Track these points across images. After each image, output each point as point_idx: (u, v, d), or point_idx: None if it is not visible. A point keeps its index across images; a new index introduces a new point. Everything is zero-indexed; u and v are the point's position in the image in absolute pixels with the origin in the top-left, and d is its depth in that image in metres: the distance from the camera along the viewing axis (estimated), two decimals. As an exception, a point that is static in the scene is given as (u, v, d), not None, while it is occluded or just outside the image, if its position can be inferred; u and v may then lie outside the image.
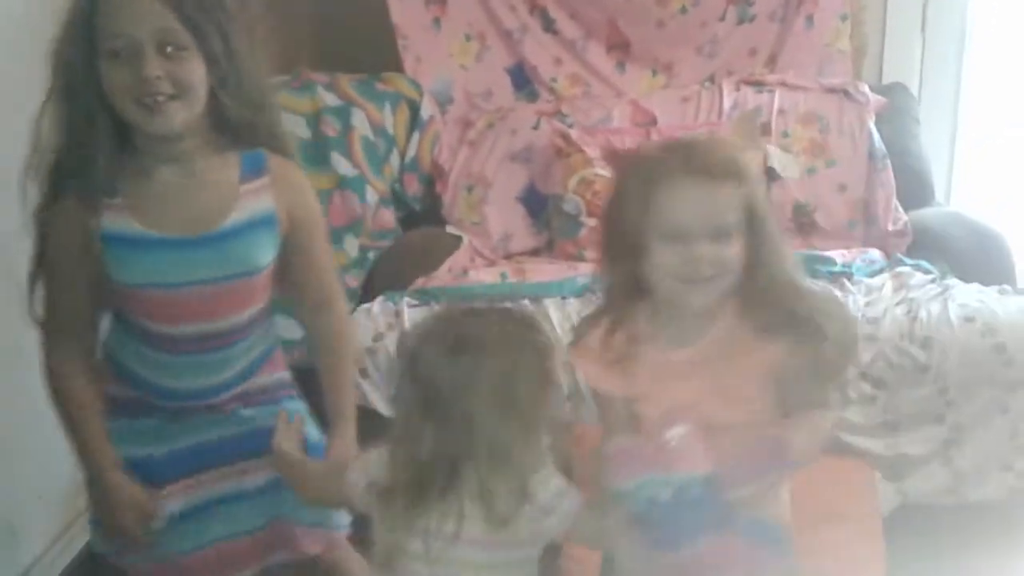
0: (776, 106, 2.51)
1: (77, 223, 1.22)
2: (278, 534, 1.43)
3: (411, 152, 2.54)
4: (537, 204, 2.51)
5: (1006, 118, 2.73)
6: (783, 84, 2.57)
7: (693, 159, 1.15)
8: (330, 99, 2.42)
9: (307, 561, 1.47)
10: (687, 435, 1.07)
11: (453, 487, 1.10)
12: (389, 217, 2.46)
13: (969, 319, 1.92)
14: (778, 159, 2.43)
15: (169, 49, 1.16)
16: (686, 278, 1.14)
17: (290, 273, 1.37)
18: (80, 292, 1.27)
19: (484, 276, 2.28)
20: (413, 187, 2.55)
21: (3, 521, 1.82)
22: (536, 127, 2.55)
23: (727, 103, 2.55)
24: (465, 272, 2.31)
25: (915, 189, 2.44)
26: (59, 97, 1.19)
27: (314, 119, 2.38)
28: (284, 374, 1.46)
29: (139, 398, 1.35)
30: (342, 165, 2.36)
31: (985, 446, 1.92)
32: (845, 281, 2.08)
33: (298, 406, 1.44)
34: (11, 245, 1.75)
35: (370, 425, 1.87)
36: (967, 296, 1.99)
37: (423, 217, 2.55)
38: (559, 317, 2.04)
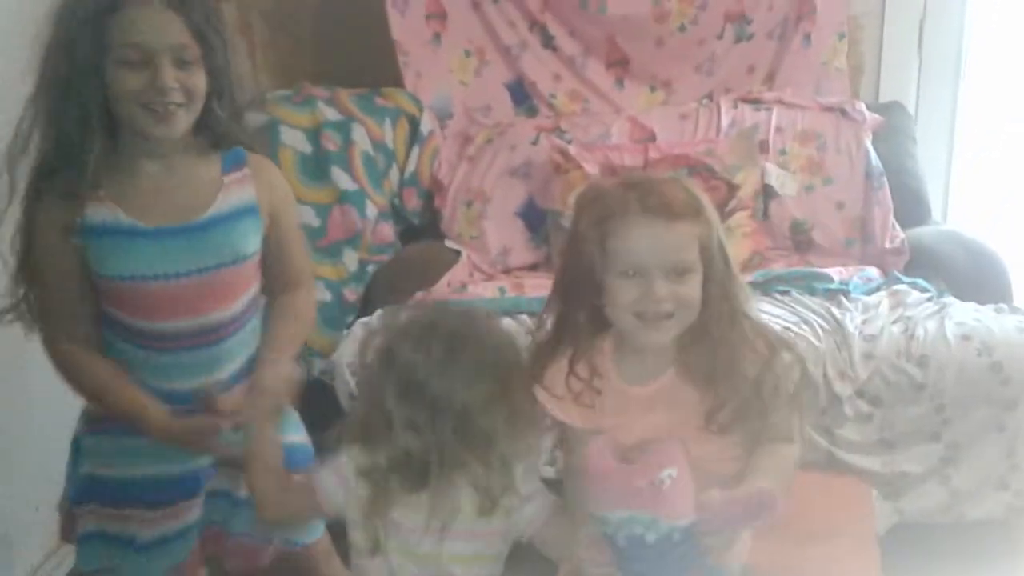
0: (773, 124, 2.52)
1: (63, 217, 1.24)
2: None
3: (411, 167, 2.55)
4: (536, 219, 2.52)
5: (1002, 136, 2.75)
6: (780, 102, 2.58)
7: (650, 197, 1.16)
8: (331, 114, 2.43)
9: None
10: (677, 478, 1.06)
11: (444, 479, 1.12)
12: (388, 231, 2.46)
13: (966, 337, 1.93)
14: (775, 177, 2.44)
15: (182, 61, 1.22)
16: (644, 315, 1.15)
17: (265, 259, 1.40)
18: (72, 285, 1.28)
19: (482, 291, 2.29)
20: (412, 202, 2.56)
21: (1, 532, 1.82)
22: (535, 143, 2.56)
23: (725, 120, 2.56)
24: (463, 286, 2.32)
25: (912, 207, 2.46)
26: (55, 94, 1.21)
27: (315, 133, 2.39)
28: None
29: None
30: (343, 180, 2.37)
31: (982, 464, 1.92)
32: (842, 298, 2.09)
33: (290, 412, 1.44)
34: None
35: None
36: (964, 314, 2.00)
37: (422, 231, 2.56)
38: (557, 332, 2.05)
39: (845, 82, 2.68)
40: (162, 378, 1.33)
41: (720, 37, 2.69)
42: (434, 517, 1.13)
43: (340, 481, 1.16)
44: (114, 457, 1.36)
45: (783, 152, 2.49)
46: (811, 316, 2.01)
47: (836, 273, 2.20)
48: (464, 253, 2.44)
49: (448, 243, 2.49)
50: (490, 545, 1.18)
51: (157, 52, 1.20)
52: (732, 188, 2.36)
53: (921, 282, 2.15)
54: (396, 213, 2.53)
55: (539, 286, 2.30)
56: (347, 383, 2.02)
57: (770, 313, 1.96)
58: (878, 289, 2.15)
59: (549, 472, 1.98)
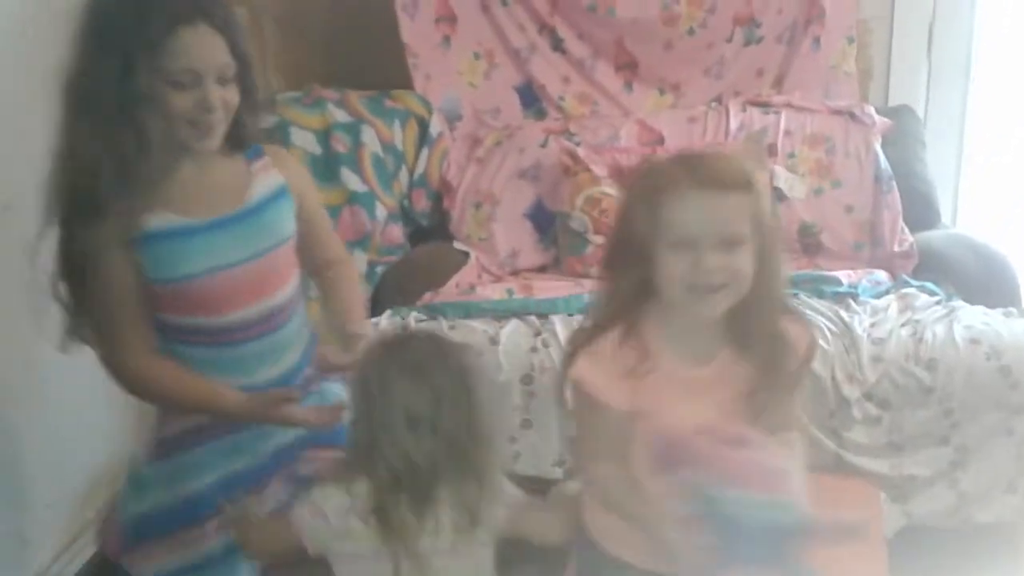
0: (782, 127, 2.53)
1: (124, 234, 1.26)
2: None
3: (420, 168, 2.56)
4: (544, 221, 2.53)
5: (1012, 140, 2.75)
6: (789, 105, 2.59)
7: (701, 169, 1.16)
8: (340, 115, 2.45)
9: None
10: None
11: (431, 501, 1.16)
12: (398, 233, 2.48)
13: (974, 341, 1.93)
14: (784, 179, 2.45)
15: (223, 79, 1.27)
16: (695, 287, 1.13)
17: (300, 240, 1.44)
18: (135, 300, 1.30)
19: (491, 292, 2.30)
20: (421, 203, 2.57)
21: (13, 530, 1.83)
22: (544, 145, 2.57)
23: (733, 124, 2.57)
24: (472, 288, 2.33)
25: (921, 211, 2.46)
26: (115, 119, 1.23)
27: (324, 135, 2.40)
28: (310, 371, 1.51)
29: (196, 426, 1.37)
30: (352, 181, 2.38)
31: (990, 468, 1.92)
32: (851, 302, 2.09)
33: (338, 388, 1.47)
34: (26, 256, 1.78)
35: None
36: (972, 318, 2.00)
37: (431, 233, 2.57)
38: (565, 334, 2.05)
39: (854, 86, 2.68)
40: (229, 375, 1.35)
41: (729, 40, 2.70)
42: (428, 536, 1.16)
43: (319, 518, 1.19)
44: (178, 476, 1.38)
45: (792, 155, 2.49)
46: (820, 319, 2.01)
47: (845, 276, 2.20)
48: (473, 255, 2.45)
49: (457, 245, 2.50)
50: (471, 555, 1.21)
51: (205, 74, 1.25)
52: (741, 191, 2.37)
53: (930, 286, 2.15)
54: (405, 215, 2.55)
55: (547, 288, 2.31)
56: (356, 383, 2.03)
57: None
58: (887, 293, 2.15)
59: (557, 473, 2.01)
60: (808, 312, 2.04)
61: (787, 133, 2.52)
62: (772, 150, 2.49)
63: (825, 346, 1.93)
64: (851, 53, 2.68)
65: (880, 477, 1.91)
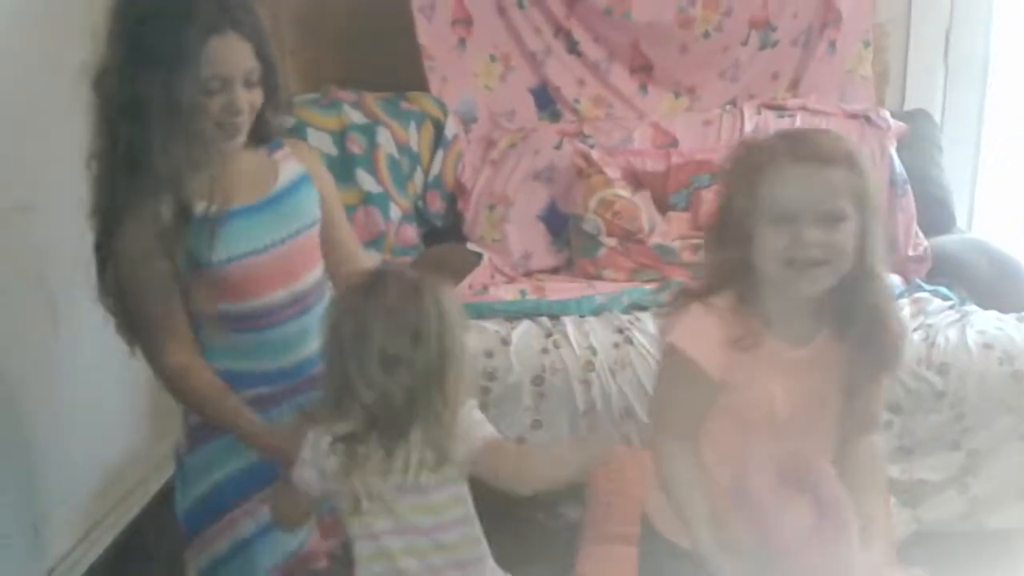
0: (797, 130, 2.53)
1: (169, 228, 1.30)
2: None
3: (435, 170, 2.58)
4: (557, 223, 2.54)
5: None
6: (804, 109, 2.58)
7: (801, 144, 1.15)
8: (356, 117, 2.47)
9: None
10: None
11: (404, 439, 1.19)
12: (412, 233, 2.49)
13: (987, 346, 1.92)
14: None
15: (249, 82, 1.32)
16: (794, 262, 1.12)
17: (324, 233, 1.49)
18: (176, 295, 1.34)
19: (503, 293, 2.31)
20: (436, 204, 2.59)
21: (27, 523, 1.86)
22: (558, 147, 2.58)
23: (748, 127, 2.57)
24: (485, 289, 2.34)
25: (936, 215, 2.45)
26: (161, 126, 1.27)
27: (340, 136, 2.43)
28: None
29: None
30: (367, 182, 2.41)
31: (1002, 473, 1.92)
32: (863, 305, 2.09)
33: None
34: (42, 255, 1.81)
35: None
36: (985, 323, 1.99)
37: (445, 234, 2.59)
38: (576, 335, 2.07)
39: (870, 89, 2.68)
40: (266, 357, 1.40)
41: (745, 44, 2.70)
42: (396, 473, 1.19)
43: (307, 463, 1.22)
44: (219, 458, 1.41)
45: (806, 159, 2.48)
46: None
47: (858, 280, 2.19)
48: (486, 255, 2.46)
49: (470, 246, 2.51)
50: (441, 491, 1.22)
51: (234, 79, 1.29)
52: (754, 194, 2.37)
53: (943, 290, 2.14)
54: (420, 215, 2.56)
55: (559, 289, 2.32)
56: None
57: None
58: (900, 296, 2.14)
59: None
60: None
61: (802, 136, 2.51)
62: (786, 153, 2.48)
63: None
64: (867, 57, 2.68)
65: (890, 481, 1.90)
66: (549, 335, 2.07)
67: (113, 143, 1.29)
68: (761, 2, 2.66)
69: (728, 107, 2.68)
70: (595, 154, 2.49)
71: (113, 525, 2.09)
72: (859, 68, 2.68)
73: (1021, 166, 2.73)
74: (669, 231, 2.41)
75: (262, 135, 1.40)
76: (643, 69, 2.75)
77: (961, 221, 2.60)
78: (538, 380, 2.01)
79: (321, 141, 2.40)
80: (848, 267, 1.13)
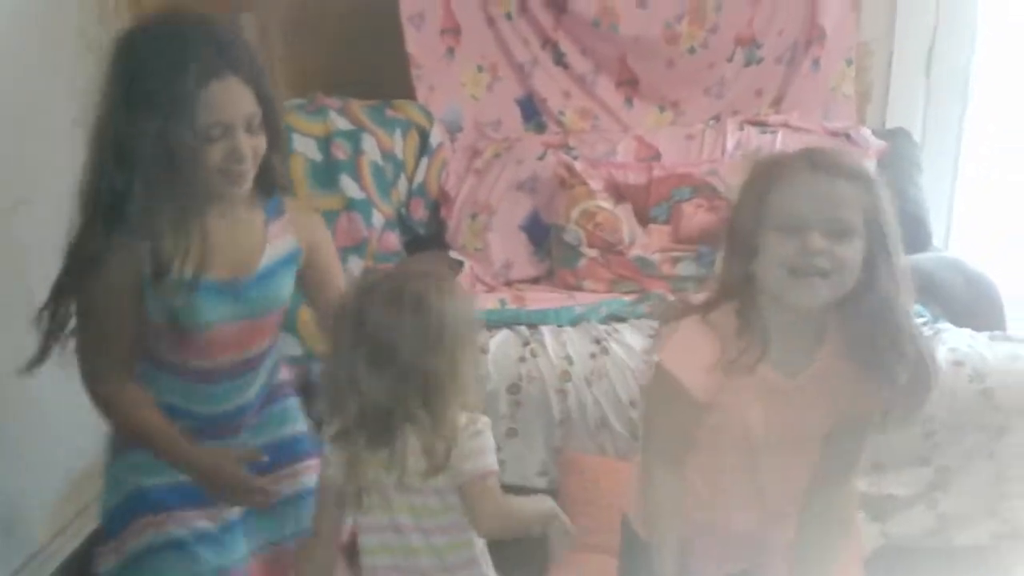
0: (778, 147, 2.54)
1: (135, 265, 1.29)
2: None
3: (419, 178, 2.60)
4: (539, 233, 2.55)
5: (1008, 165, 2.76)
6: (786, 126, 2.61)
7: (816, 155, 1.16)
8: (342, 123, 2.49)
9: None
10: None
11: (396, 434, 1.21)
12: (394, 240, 2.51)
13: (958, 363, 1.94)
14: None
15: (251, 127, 1.29)
16: (797, 270, 1.11)
17: (310, 290, 1.50)
18: (130, 329, 1.33)
19: (484, 302, 2.31)
20: (419, 212, 2.61)
21: (0, 519, 1.86)
22: (542, 158, 2.60)
23: (730, 142, 2.59)
24: (465, 297, 2.35)
25: (913, 233, 2.45)
26: (151, 173, 1.26)
27: (325, 142, 2.44)
28: (285, 374, 1.58)
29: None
30: (350, 188, 2.42)
31: (970, 490, 1.93)
32: (837, 321, 2.11)
33: (294, 403, 1.57)
34: (21, 252, 1.82)
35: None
36: (957, 341, 2.01)
37: (427, 242, 2.60)
38: (553, 344, 2.08)
39: (852, 108, 2.71)
40: (197, 404, 1.41)
41: (730, 60, 2.73)
42: (392, 471, 1.23)
43: (330, 458, 1.27)
44: (143, 467, 1.41)
45: (787, 175, 2.51)
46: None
47: (833, 296, 2.21)
48: (467, 264, 2.48)
49: (452, 254, 2.53)
50: (434, 496, 1.25)
51: (235, 125, 1.27)
52: (734, 209, 2.39)
53: (917, 307, 2.16)
54: (403, 223, 2.58)
55: (539, 299, 2.34)
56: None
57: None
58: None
59: (541, 482, 2.03)
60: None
61: (783, 153, 2.54)
62: (767, 169, 2.51)
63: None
64: (850, 75, 2.71)
65: (860, 495, 1.92)
66: (526, 344, 2.09)
67: (99, 188, 1.27)
68: (747, 20, 2.69)
69: (711, 122, 2.71)
70: (578, 166, 2.51)
71: (80, 530, 2.09)
72: (842, 86, 2.71)
73: (999, 186, 2.76)
74: (649, 243, 2.43)
75: (266, 183, 1.38)
76: (629, 83, 2.78)
77: (938, 239, 2.62)
78: (514, 388, 2.02)
79: (306, 146, 2.42)
80: (851, 284, 1.12)
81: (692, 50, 2.71)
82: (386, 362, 1.20)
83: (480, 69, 2.77)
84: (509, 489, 1.30)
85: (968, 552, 1.95)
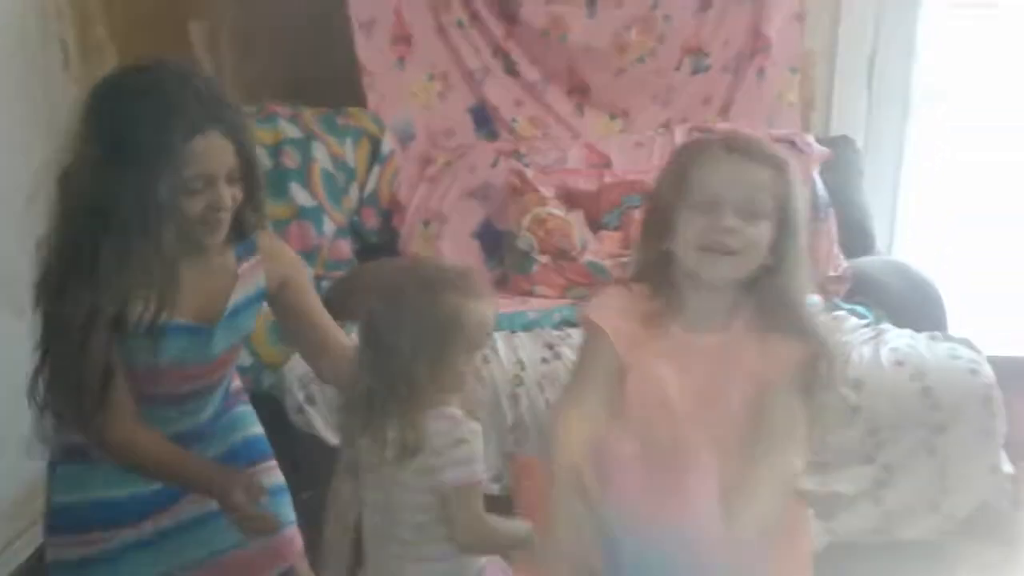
0: (726, 154, 2.59)
1: (109, 313, 1.28)
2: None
3: (370, 186, 2.60)
4: (492, 240, 2.57)
5: (948, 170, 2.85)
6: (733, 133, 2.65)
7: (735, 139, 1.23)
8: (292, 131, 2.48)
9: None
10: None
11: (381, 415, 1.25)
12: (346, 248, 2.50)
13: (899, 363, 1.99)
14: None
15: (231, 179, 1.31)
16: (711, 248, 1.17)
17: (289, 329, 1.52)
18: (114, 373, 1.31)
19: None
20: (371, 220, 2.60)
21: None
22: (494, 165, 2.62)
23: (679, 149, 2.63)
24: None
25: (856, 237, 2.53)
26: (130, 226, 1.25)
27: (275, 150, 2.43)
28: (238, 383, 1.58)
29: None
30: (301, 196, 2.41)
31: (913, 487, 1.98)
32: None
33: (248, 408, 1.58)
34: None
35: (316, 454, 1.91)
36: (899, 341, 2.06)
37: (379, 250, 2.60)
38: (505, 349, 2.09)
39: (796, 115, 2.76)
40: (153, 424, 1.39)
41: (678, 69, 2.77)
42: (373, 454, 1.27)
43: None
44: (89, 482, 1.40)
45: (734, 181, 2.55)
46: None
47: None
48: (421, 271, 2.47)
49: (424, 259, 2.52)
50: (406, 488, 1.27)
51: (217, 177, 1.28)
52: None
53: (860, 309, 2.21)
54: (354, 231, 2.57)
55: (492, 305, 2.34)
56: (296, 397, 2.04)
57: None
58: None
59: (494, 488, 2.03)
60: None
61: (730, 159, 2.58)
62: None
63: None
64: (794, 84, 2.76)
65: (807, 494, 1.96)
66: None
67: (68, 244, 1.25)
68: (693, 29, 2.74)
69: (660, 130, 2.75)
70: (530, 173, 2.53)
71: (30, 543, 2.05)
72: (786, 94, 2.76)
73: (940, 191, 2.84)
74: (600, 249, 2.46)
75: (239, 228, 1.38)
76: (579, 91, 2.81)
77: (882, 243, 2.69)
78: (467, 394, 2.02)
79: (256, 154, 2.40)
80: (755, 264, 1.18)
81: (641, 59, 2.75)
82: (373, 348, 1.26)
83: (431, 77, 2.77)
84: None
85: (913, 547, 2.00)
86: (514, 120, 2.79)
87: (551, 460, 1.21)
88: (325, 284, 2.38)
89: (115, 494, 1.40)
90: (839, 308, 2.23)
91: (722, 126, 2.69)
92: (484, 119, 2.80)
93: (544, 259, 2.44)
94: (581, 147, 2.68)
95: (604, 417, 1.22)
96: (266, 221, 1.44)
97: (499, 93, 2.78)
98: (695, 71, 2.78)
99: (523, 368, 2.05)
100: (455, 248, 2.54)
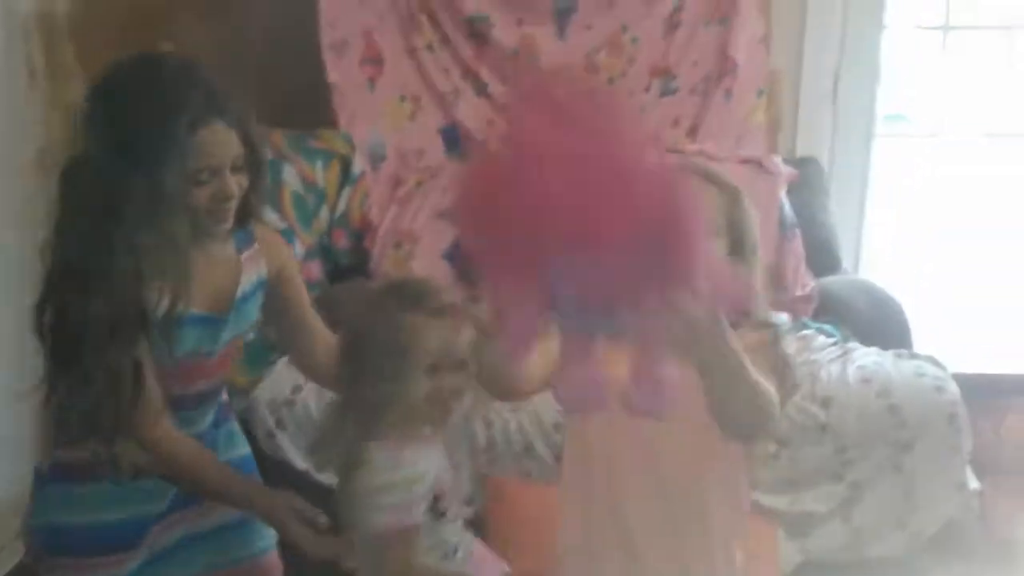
0: (694, 175, 2.62)
1: (130, 307, 1.27)
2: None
3: (341, 207, 2.59)
4: (463, 261, 2.57)
5: (913, 191, 2.90)
6: (702, 154, 2.68)
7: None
8: (262, 153, 2.46)
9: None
10: None
11: (334, 434, 1.28)
12: (316, 270, 2.49)
13: (866, 381, 2.01)
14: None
15: (235, 167, 1.31)
16: None
17: (284, 322, 1.52)
18: (140, 368, 1.30)
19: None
20: (341, 242, 2.60)
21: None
22: (465, 186, 2.62)
23: (648, 170, 2.65)
24: (389, 326, 2.34)
25: (823, 257, 2.57)
26: (140, 219, 1.24)
27: (244, 172, 2.41)
28: (226, 396, 1.57)
29: (93, 461, 1.36)
30: (271, 218, 2.39)
31: (881, 504, 2.00)
32: (753, 343, 2.17)
33: (237, 427, 1.58)
34: None
35: (287, 479, 1.89)
36: (865, 359, 2.09)
37: (350, 272, 2.59)
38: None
39: (763, 137, 2.80)
40: (183, 427, 1.39)
41: (647, 91, 2.80)
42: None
43: None
44: (85, 503, 1.38)
45: (703, 201, 2.58)
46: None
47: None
48: (392, 293, 2.47)
49: (395, 279, 2.52)
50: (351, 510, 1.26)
51: (223, 167, 1.29)
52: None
53: (827, 327, 2.24)
54: (325, 252, 2.56)
55: (463, 326, 2.34)
56: (266, 421, 2.03)
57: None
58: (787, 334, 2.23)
59: (467, 512, 2.02)
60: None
61: (699, 181, 2.61)
62: (684, 196, 2.57)
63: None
64: (761, 105, 2.80)
65: (778, 513, 1.97)
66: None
67: (80, 241, 1.24)
68: (662, 52, 2.77)
69: (630, 151, 2.77)
70: (500, 193, 2.54)
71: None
72: (753, 116, 2.79)
73: (904, 210, 2.89)
74: (571, 269, 2.47)
75: (242, 216, 1.38)
76: (550, 112, 2.82)
77: (848, 262, 2.73)
78: (438, 416, 2.01)
79: (225, 177, 2.39)
80: None
81: (611, 80, 2.78)
82: (340, 367, 1.28)
83: (402, 99, 2.78)
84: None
85: (882, 564, 2.02)
86: (485, 141, 2.80)
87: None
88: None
89: (112, 517, 1.37)
90: (807, 327, 2.26)
91: (691, 147, 2.72)
92: (455, 140, 2.81)
93: (515, 280, 2.44)
94: (552, 168, 2.69)
95: None
96: (262, 210, 1.46)
97: (470, 114, 2.79)
98: (664, 93, 2.81)
99: (495, 389, 2.04)
100: (426, 269, 2.54)
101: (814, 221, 2.61)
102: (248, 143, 1.31)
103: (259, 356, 2.23)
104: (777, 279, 2.50)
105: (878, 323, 2.28)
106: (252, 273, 1.43)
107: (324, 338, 1.53)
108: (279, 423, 2.02)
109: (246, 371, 2.09)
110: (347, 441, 1.24)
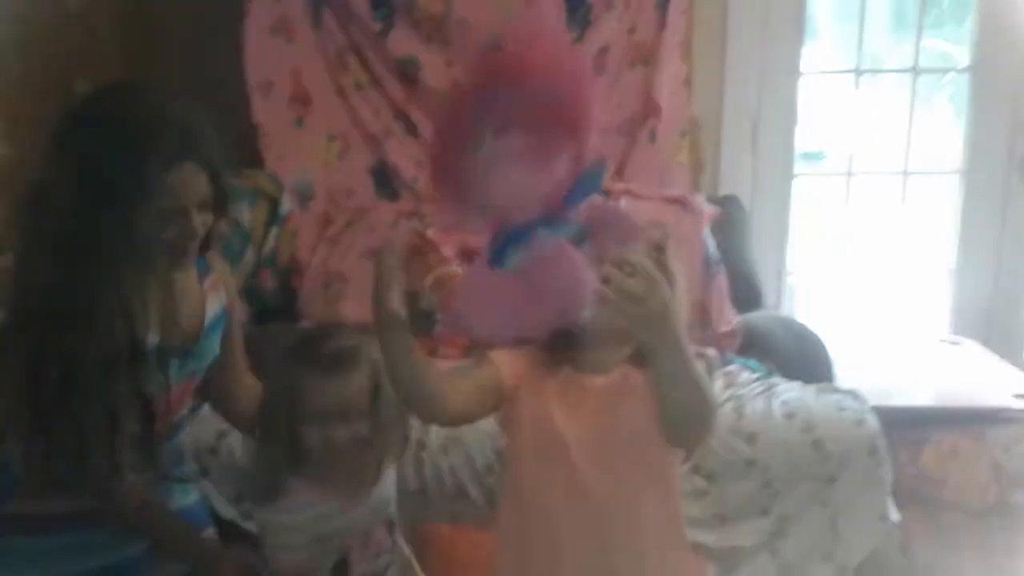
0: (622, 213, 2.66)
1: (108, 360, 1.28)
2: None
3: (268, 247, 2.56)
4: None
5: (831, 229, 3.00)
6: (629, 193, 2.73)
7: None
8: (185, 194, 2.42)
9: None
10: None
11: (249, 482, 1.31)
12: (241, 312, 2.44)
13: (790, 415, 2.06)
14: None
15: (203, 206, 1.32)
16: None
17: (218, 358, 1.51)
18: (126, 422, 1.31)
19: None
20: (268, 282, 2.56)
21: None
22: (395, 226, 2.61)
23: (577, 209, 2.68)
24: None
25: (746, 294, 2.63)
26: (112, 255, 1.25)
27: (167, 213, 2.37)
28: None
29: (39, 515, 1.34)
30: (195, 259, 2.35)
31: (807, 537, 2.03)
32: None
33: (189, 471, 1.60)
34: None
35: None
36: (788, 393, 2.13)
37: (277, 313, 2.55)
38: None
39: (687, 176, 2.87)
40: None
41: (575, 131, 2.84)
42: None
43: None
44: (26, 560, 1.35)
45: (630, 240, 2.62)
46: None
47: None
48: (321, 334, 2.44)
49: (304, 324, 2.49)
50: None
51: (190, 207, 1.29)
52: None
53: (751, 363, 2.29)
54: (250, 294, 2.52)
55: (394, 367, 2.32)
56: (190, 468, 1.96)
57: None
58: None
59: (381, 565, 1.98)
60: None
61: (626, 219, 2.65)
62: (612, 235, 2.62)
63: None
64: (684, 146, 2.87)
65: (707, 549, 1.99)
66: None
67: (48, 277, 1.23)
68: (589, 93, 2.82)
69: (559, 190, 2.80)
70: (430, 233, 2.54)
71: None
72: (677, 156, 2.86)
73: (824, 248, 2.99)
74: (502, 308, 2.47)
75: (202, 245, 1.38)
76: (480, 152, 2.84)
77: (771, 298, 2.80)
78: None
79: (147, 218, 2.34)
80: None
81: (538, 122, 2.81)
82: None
83: (331, 138, 2.77)
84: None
85: (809, 597, 2.04)
86: (415, 180, 2.80)
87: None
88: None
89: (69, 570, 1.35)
90: (731, 362, 2.30)
91: (618, 186, 2.77)
92: (385, 179, 2.81)
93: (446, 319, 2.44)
94: (481, 207, 2.70)
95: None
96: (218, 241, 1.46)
97: (400, 154, 2.79)
98: (591, 133, 2.85)
99: (426, 431, 2.03)
100: (356, 309, 2.51)
101: (737, 258, 2.67)
102: (217, 182, 1.31)
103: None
104: (702, 315, 2.55)
105: (800, 358, 2.33)
106: (214, 301, 1.45)
107: (249, 384, 1.51)
108: (203, 470, 1.96)
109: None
110: (265, 479, 1.27)
